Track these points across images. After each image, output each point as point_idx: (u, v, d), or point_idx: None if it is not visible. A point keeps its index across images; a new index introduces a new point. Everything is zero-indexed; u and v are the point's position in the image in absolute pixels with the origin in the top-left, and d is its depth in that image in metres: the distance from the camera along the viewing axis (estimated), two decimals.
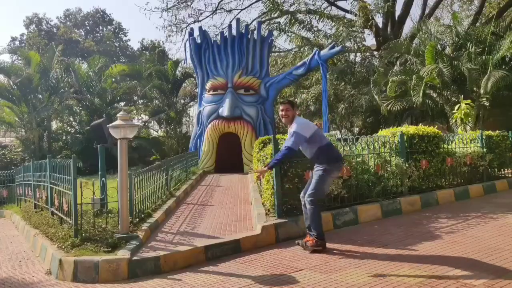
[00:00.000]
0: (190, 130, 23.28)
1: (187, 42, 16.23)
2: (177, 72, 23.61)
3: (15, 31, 78.77)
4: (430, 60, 13.69)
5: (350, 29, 19.13)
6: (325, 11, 21.95)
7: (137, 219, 5.90)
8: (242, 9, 24.71)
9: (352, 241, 5.12)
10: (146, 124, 26.99)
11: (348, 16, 21.35)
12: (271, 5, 20.45)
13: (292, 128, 4.84)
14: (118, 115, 5.37)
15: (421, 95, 13.40)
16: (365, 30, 20.22)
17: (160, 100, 23.96)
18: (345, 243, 5.05)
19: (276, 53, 23.70)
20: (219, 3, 23.67)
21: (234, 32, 15.60)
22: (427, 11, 21.91)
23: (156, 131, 27.78)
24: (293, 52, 21.21)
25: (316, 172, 4.84)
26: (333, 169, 4.86)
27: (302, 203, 4.96)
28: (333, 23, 20.07)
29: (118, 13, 68.81)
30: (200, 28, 16.28)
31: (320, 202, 4.95)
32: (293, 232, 5.44)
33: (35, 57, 20.61)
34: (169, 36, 33.55)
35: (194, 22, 23.48)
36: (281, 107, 5.03)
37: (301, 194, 5.03)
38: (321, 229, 4.78)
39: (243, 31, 15.80)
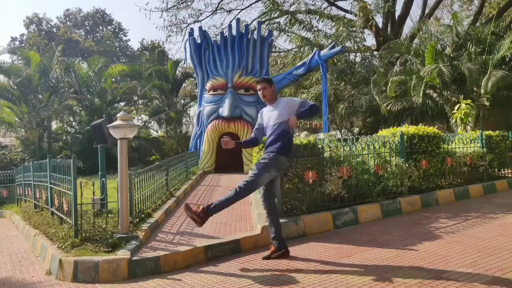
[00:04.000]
0: (190, 130, 23.29)
1: (187, 42, 16.24)
2: (177, 72, 23.63)
3: (15, 31, 78.82)
4: (430, 60, 13.69)
5: (350, 29, 19.16)
6: (325, 11, 21.98)
7: (137, 219, 5.90)
8: (242, 9, 24.81)
9: (352, 241, 5.12)
10: (146, 124, 27.00)
11: (348, 16, 21.40)
12: (271, 5, 20.47)
13: (294, 103, 4.44)
14: (118, 115, 5.37)
15: (421, 95, 13.41)
16: (365, 30, 20.24)
17: (160, 100, 23.98)
18: (345, 243, 5.05)
19: (276, 53, 23.71)
20: (219, 3, 23.72)
21: (234, 32, 15.60)
22: (427, 11, 21.94)
23: (156, 131, 27.78)
24: (293, 52, 21.22)
25: (260, 162, 4.36)
26: (276, 164, 4.34)
27: (264, 210, 4.65)
28: (333, 23, 20.09)
29: (118, 13, 68.93)
30: (200, 28, 16.28)
31: (249, 190, 4.38)
32: (293, 232, 5.44)
33: (35, 57, 20.61)
34: (169, 36, 33.67)
35: (194, 22, 23.53)
36: (258, 86, 4.62)
37: (261, 201, 4.66)
38: (220, 209, 4.35)
39: (243, 31, 15.80)
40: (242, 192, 4.33)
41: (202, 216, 4.31)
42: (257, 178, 4.33)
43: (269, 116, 4.58)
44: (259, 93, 4.65)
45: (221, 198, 4.41)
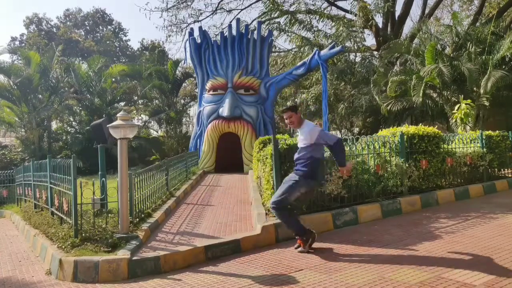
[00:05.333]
0: (190, 130, 23.30)
1: (187, 42, 16.25)
2: (177, 72, 23.65)
3: (15, 31, 78.80)
4: (430, 60, 13.68)
5: (350, 29, 19.13)
6: (325, 11, 21.97)
7: (137, 219, 5.90)
8: (242, 9, 24.81)
9: (352, 241, 5.12)
10: (146, 124, 27.01)
11: (348, 16, 21.39)
12: (271, 5, 20.46)
13: (314, 132, 4.66)
14: (118, 115, 5.37)
15: (421, 95, 13.40)
16: (365, 30, 20.23)
17: (160, 100, 23.99)
18: (345, 243, 5.05)
19: (276, 53, 23.71)
20: (219, 3, 23.70)
21: (234, 32, 15.61)
22: (427, 11, 21.93)
23: (156, 131, 27.81)
24: (293, 52, 21.21)
25: (290, 180, 4.73)
26: (305, 185, 4.70)
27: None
28: (333, 23, 20.08)
29: (118, 13, 68.90)
30: (200, 28, 16.29)
31: (285, 206, 4.75)
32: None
33: (35, 57, 20.62)
34: (169, 36, 33.66)
35: (194, 22, 23.51)
36: (284, 116, 4.91)
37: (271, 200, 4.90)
38: (299, 227, 4.74)
39: (243, 31, 15.81)
40: (279, 210, 4.70)
41: (306, 238, 4.72)
42: (288, 197, 4.68)
43: (298, 139, 4.98)
44: (286, 121, 4.89)
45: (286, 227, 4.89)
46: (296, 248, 4.86)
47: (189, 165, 12.50)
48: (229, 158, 14.60)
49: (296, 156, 4.87)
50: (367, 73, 18.41)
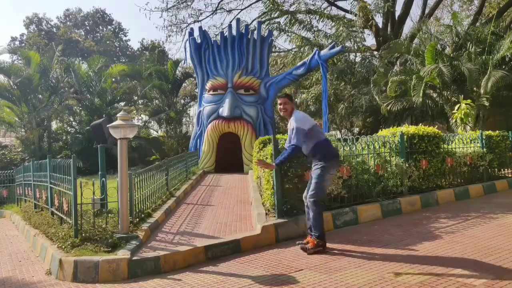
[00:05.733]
0: (190, 130, 23.30)
1: (187, 42, 16.25)
2: (177, 72, 23.64)
3: (15, 31, 78.79)
4: (430, 60, 13.69)
5: (350, 29, 19.14)
6: (325, 11, 21.97)
7: (137, 219, 5.90)
8: (242, 9, 24.83)
9: (352, 241, 5.12)
10: (146, 124, 27.01)
11: (348, 16, 21.40)
12: (271, 5, 20.46)
13: (291, 124, 4.82)
14: (118, 115, 5.37)
15: (421, 95, 13.40)
16: (365, 30, 20.23)
17: (160, 100, 23.99)
18: (345, 243, 5.05)
19: (276, 53, 23.71)
20: (219, 3, 23.71)
21: (234, 32, 15.61)
22: (427, 11, 21.94)
23: (156, 131, 27.81)
24: (293, 52, 21.21)
25: (315, 171, 4.80)
26: (331, 166, 4.81)
27: (305, 204, 4.91)
28: (333, 23, 20.09)
29: (118, 13, 68.90)
30: (200, 28, 16.29)
31: (322, 203, 4.89)
32: (293, 232, 5.44)
33: (35, 57, 20.61)
34: (169, 36, 33.69)
35: (194, 22, 23.52)
36: (279, 101, 5.03)
37: (304, 195, 4.99)
38: (323, 230, 4.76)
39: (243, 31, 15.81)
40: (318, 203, 4.74)
41: (321, 244, 4.71)
42: (323, 184, 4.79)
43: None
44: (279, 106, 4.99)
45: (311, 222, 4.81)
46: (298, 244, 4.86)
47: (189, 165, 12.50)
48: (229, 158, 14.60)
49: (305, 152, 4.94)
50: (367, 73, 18.42)
